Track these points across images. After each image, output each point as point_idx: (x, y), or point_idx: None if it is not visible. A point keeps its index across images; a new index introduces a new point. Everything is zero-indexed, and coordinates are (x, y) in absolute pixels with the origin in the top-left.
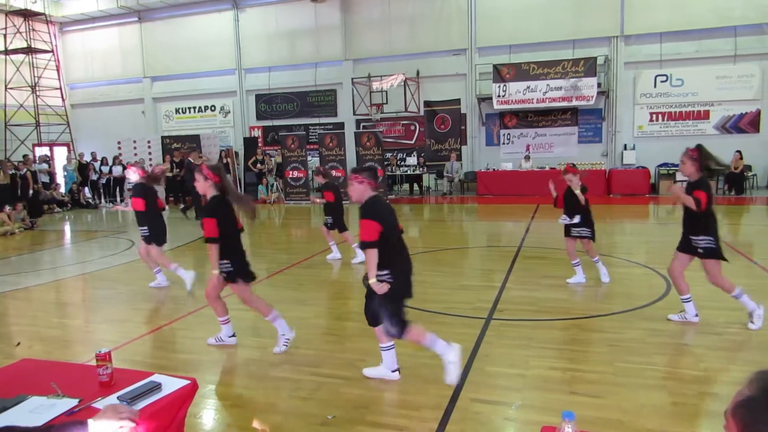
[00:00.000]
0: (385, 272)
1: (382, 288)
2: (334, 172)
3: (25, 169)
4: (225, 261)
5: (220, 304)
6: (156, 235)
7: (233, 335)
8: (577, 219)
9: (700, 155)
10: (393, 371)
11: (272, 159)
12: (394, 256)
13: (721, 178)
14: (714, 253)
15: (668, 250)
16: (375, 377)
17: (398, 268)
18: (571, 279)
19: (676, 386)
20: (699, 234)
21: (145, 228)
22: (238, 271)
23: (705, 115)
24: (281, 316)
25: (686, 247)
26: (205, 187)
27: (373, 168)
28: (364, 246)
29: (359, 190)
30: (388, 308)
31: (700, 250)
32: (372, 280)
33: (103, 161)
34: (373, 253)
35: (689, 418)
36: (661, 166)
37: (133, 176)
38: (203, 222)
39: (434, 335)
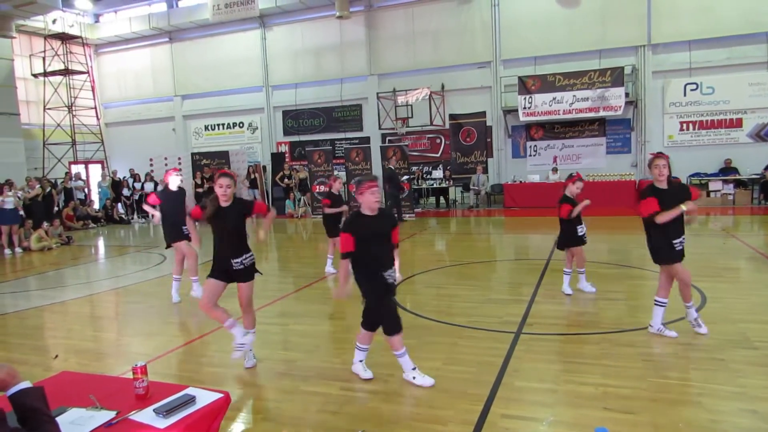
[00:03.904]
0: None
1: None
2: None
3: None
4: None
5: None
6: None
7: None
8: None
9: None
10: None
11: (297, 173)
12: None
13: (756, 187)
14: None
15: (702, 261)
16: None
17: None
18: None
19: (712, 403)
20: None
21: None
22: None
23: (738, 123)
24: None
25: None
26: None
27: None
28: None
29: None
30: None
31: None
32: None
33: (136, 178)
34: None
35: None
36: (693, 176)
37: (177, 179)
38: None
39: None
